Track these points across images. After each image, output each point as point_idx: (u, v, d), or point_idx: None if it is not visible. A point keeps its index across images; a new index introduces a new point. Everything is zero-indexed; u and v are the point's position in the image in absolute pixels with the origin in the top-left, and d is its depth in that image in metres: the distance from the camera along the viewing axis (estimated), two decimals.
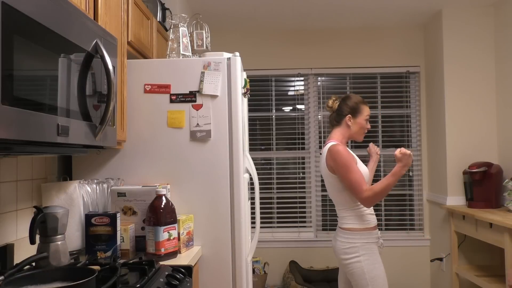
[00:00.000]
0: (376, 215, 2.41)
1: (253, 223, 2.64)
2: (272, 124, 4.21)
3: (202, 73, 2.09)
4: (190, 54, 2.27)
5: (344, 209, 2.26)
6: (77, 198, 1.84)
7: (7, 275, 1.22)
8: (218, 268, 2.07)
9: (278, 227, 4.17)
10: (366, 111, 2.32)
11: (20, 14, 1.02)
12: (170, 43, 2.25)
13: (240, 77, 2.15)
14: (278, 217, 4.17)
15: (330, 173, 2.25)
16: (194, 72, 2.10)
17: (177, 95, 2.10)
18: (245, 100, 2.43)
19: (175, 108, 2.10)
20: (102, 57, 1.44)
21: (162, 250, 1.80)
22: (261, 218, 3.82)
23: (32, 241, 1.41)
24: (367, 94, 4.17)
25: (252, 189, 2.52)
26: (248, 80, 2.34)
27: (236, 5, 3.51)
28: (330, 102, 2.38)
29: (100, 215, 1.77)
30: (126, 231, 1.84)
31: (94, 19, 1.67)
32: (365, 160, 2.59)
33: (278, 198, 4.18)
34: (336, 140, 2.29)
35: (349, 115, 2.30)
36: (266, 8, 3.60)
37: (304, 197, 4.18)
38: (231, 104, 2.10)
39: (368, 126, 2.34)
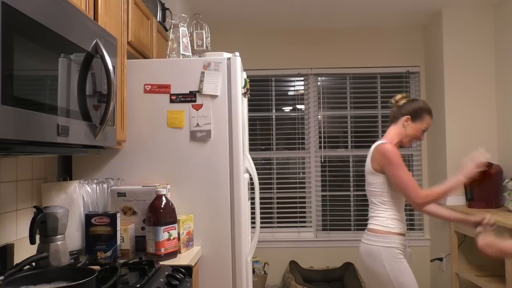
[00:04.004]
0: None
1: (253, 223, 2.64)
2: (272, 124, 4.21)
3: (202, 73, 2.09)
4: (190, 54, 2.27)
5: (376, 209, 2.20)
6: (77, 198, 1.84)
7: (7, 275, 1.22)
8: (218, 268, 2.07)
9: (278, 227, 4.17)
10: (427, 121, 2.24)
11: (20, 14, 1.02)
12: (170, 43, 2.25)
13: (240, 77, 2.15)
14: (278, 217, 4.17)
15: (373, 170, 2.19)
16: (194, 72, 2.10)
17: (177, 95, 2.10)
18: (245, 100, 2.43)
19: (175, 108, 2.10)
20: (102, 57, 1.44)
21: (162, 250, 1.80)
22: (261, 218, 3.82)
23: (32, 241, 1.41)
24: (367, 94, 4.17)
25: (252, 189, 2.52)
26: (248, 80, 2.34)
27: (236, 5, 3.51)
28: (399, 97, 2.31)
29: (100, 215, 1.77)
30: (126, 231, 1.84)
31: (94, 19, 1.67)
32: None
33: (278, 198, 4.17)
34: (388, 139, 2.23)
35: (408, 116, 2.23)
36: (266, 8, 3.60)
37: (304, 197, 4.17)
38: (231, 104, 2.10)
39: (422, 137, 2.27)
